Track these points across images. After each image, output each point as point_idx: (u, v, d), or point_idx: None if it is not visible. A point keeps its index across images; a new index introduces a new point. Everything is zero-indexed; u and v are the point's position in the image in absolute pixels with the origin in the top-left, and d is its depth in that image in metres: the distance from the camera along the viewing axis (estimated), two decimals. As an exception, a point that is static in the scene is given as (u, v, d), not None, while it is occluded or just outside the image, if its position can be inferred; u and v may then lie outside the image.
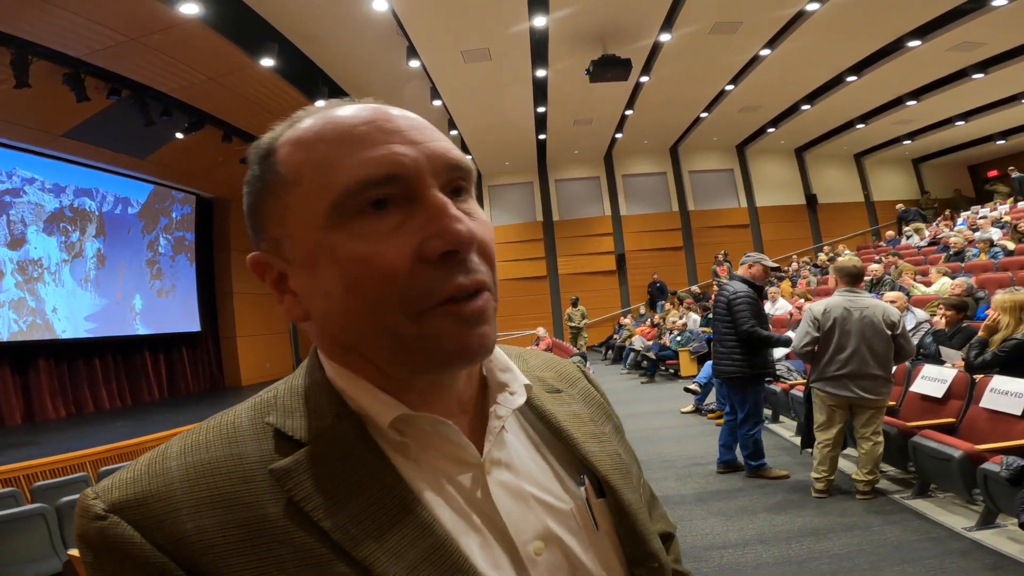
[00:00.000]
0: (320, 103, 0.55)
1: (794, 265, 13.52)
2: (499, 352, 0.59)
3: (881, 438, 3.73)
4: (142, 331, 11.00)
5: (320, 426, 0.50)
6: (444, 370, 0.51)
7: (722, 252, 14.70)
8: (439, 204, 0.48)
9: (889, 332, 3.66)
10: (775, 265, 4.54)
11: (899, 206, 14.88)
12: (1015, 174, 13.79)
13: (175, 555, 0.43)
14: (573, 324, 14.00)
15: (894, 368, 3.84)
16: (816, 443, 3.93)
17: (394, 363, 0.50)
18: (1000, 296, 3.88)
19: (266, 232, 0.53)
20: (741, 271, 4.44)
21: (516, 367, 0.59)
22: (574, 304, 14.11)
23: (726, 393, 4.63)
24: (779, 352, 5.97)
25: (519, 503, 0.52)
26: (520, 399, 0.56)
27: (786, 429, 5.79)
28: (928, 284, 7.27)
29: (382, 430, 0.50)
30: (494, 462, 0.53)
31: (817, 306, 3.86)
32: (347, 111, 0.51)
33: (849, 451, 4.26)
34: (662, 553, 0.59)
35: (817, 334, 3.78)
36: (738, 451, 4.54)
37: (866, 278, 7.83)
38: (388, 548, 0.46)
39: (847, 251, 12.85)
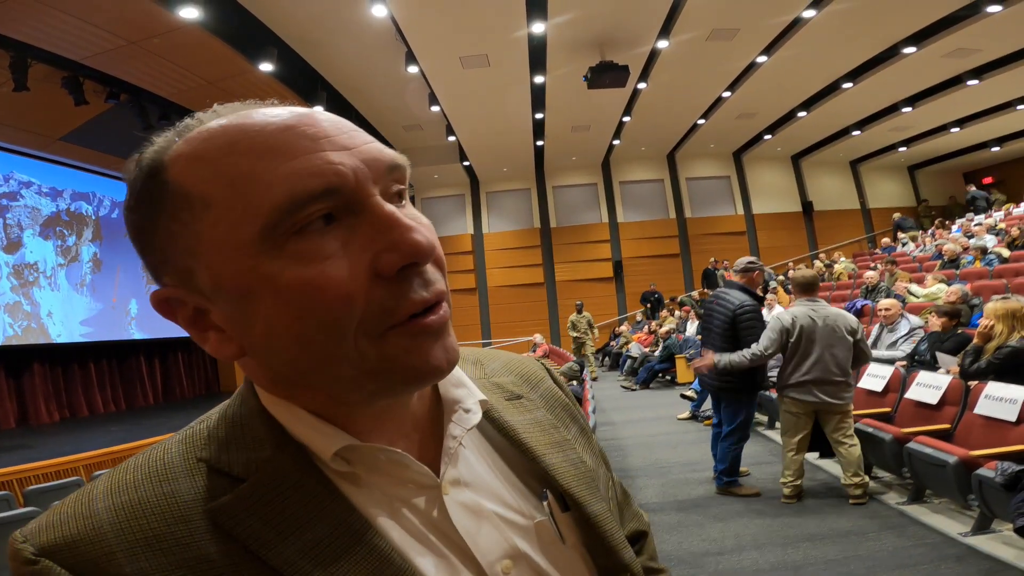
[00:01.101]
0: (217, 107, 0.48)
1: (790, 273, 13.55)
2: None
3: (855, 440, 3.80)
4: (137, 336, 10.97)
5: (259, 458, 0.47)
6: (409, 389, 0.48)
7: (713, 259, 14.67)
8: (388, 214, 0.44)
9: (850, 338, 3.78)
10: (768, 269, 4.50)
11: (896, 215, 14.96)
12: (971, 190, 14.19)
13: None
14: (577, 333, 12.29)
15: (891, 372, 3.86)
16: (783, 449, 4.02)
17: (353, 389, 0.46)
18: (993, 304, 3.90)
19: (169, 264, 0.46)
20: (738, 279, 4.15)
21: (470, 381, 0.56)
22: (579, 310, 12.53)
23: (715, 405, 4.42)
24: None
25: (482, 522, 0.50)
26: (475, 417, 0.53)
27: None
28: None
29: (328, 461, 0.47)
30: (452, 482, 0.51)
31: (785, 315, 3.92)
32: (257, 116, 0.45)
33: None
34: (635, 563, 0.58)
35: (784, 341, 3.83)
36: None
37: (863, 285, 7.88)
38: None
39: (843, 258, 12.88)
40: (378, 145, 0.47)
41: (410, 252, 0.43)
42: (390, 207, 0.45)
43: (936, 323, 4.85)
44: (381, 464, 0.49)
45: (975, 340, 3.93)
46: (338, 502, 0.46)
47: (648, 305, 14.86)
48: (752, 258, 4.25)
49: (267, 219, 0.42)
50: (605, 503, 0.59)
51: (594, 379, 11.15)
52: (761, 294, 4.34)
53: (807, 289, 3.97)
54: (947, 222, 13.68)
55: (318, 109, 0.48)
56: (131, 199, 0.47)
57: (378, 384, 0.46)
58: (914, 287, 7.17)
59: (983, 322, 3.89)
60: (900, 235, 13.43)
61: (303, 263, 0.42)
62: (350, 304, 0.43)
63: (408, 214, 0.46)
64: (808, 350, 3.78)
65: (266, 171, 0.42)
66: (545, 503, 0.55)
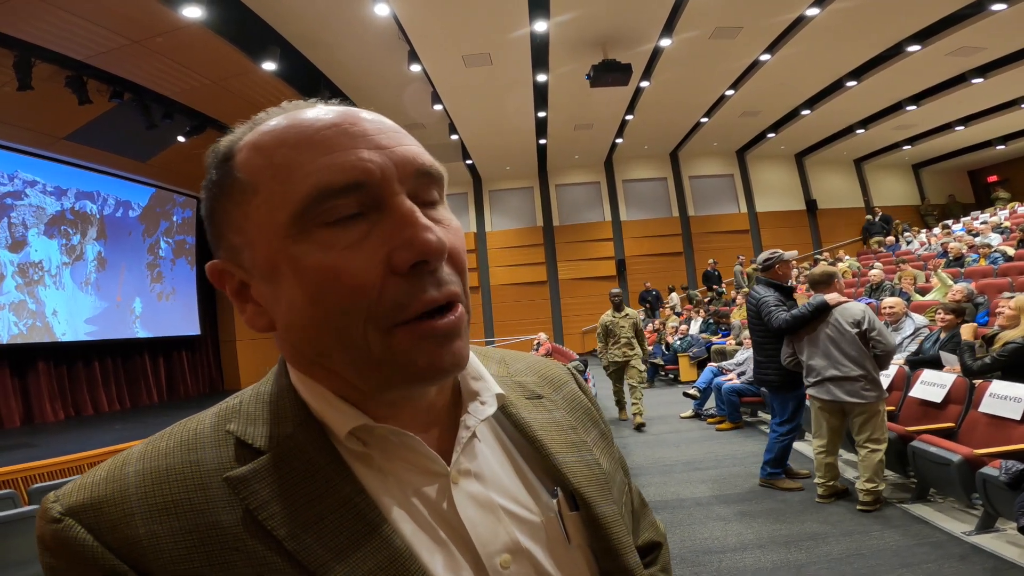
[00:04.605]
0: (285, 104, 0.52)
1: (794, 272, 13.54)
2: (473, 359, 0.57)
3: (879, 446, 3.64)
4: (142, 334, 11.00)
5: (281, 434, 0.49)
6: (414, 386, 0.49)
7: (711, 260, 14.81)
8: (407, 212, 0.46)
9: (854, 330, 3.66)
10: (791, 255, 4.36)
11: (869, 216, 15.09)
12: (879, 215, 14.30)
13: (127, 558, 0.43)
14: (623, 338, 6.67)
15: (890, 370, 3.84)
16: (813, 450, 3.98)
17: (361, 377, 0.48)
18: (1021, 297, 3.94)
19: (225, 240, 0.50)
20: (765, 275, 4.28)
21: (489, 375, 0.58)
22: (616, 307, 6.79)
23: (769, 401, 4.51)
24: None
25: (487, 515, 0.51)
26: (490, 409, 0.55)
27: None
28: (927, 290, 7.25)
29: (343, 439, 0.49)
30: (462, 472, 0.52)
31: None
32: (311, 113, 0.49)
33: (851, 457, 4.25)
34: (639, 568, 0.57)
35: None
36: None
37: (867, 284, 7.85)
38: (342, 559, 0.45)
39: (846, 256, 12.85)
40: (416, 150, 0.49)
41: (421, 250, 0.45)
42: (411, 205, 0.47)
43: (940, 321, 4.83)
44: (394, 448, 0.50)
45: (972, 337, 3.95)
46: (347, 482, 0.48)
47: (647, 305, 14.85)
48: (769, 253, 4.29)
49: (297, 206, 0.45)
50: (617, 507, 0.59)
51: (639, 426, 6.52)
52: (789, 284, 4.31)
53: (817, 285, 3.98)
54: (915, 228, 13.85)
55: (367, 111, 0.51)
56: (207, 180, 0.51)
57: (382, 376, 0.48)
58: (918, 296, 7.09)
59: (1006, 314, 3.93)
60: (870, 240, 13.56)
61: (323, 250, 0.45)
62: (361, 294, 0.45)
63: (434, 216, 0.49)
64: (815, 349, 3.78)
65: (304, 163, 0.46)
66: (555, 501, 0.55)
